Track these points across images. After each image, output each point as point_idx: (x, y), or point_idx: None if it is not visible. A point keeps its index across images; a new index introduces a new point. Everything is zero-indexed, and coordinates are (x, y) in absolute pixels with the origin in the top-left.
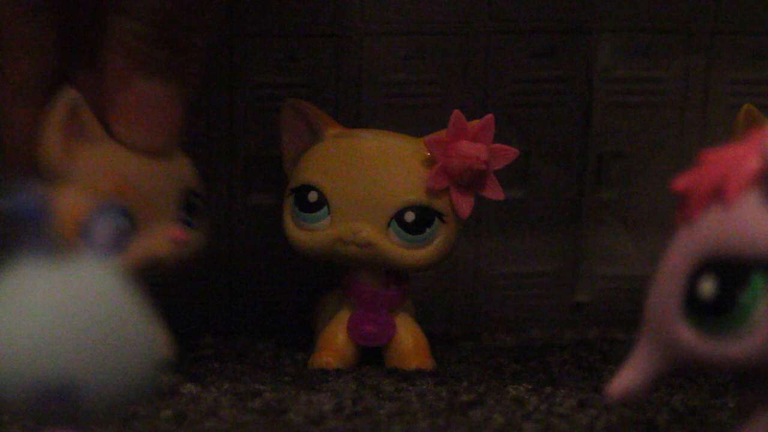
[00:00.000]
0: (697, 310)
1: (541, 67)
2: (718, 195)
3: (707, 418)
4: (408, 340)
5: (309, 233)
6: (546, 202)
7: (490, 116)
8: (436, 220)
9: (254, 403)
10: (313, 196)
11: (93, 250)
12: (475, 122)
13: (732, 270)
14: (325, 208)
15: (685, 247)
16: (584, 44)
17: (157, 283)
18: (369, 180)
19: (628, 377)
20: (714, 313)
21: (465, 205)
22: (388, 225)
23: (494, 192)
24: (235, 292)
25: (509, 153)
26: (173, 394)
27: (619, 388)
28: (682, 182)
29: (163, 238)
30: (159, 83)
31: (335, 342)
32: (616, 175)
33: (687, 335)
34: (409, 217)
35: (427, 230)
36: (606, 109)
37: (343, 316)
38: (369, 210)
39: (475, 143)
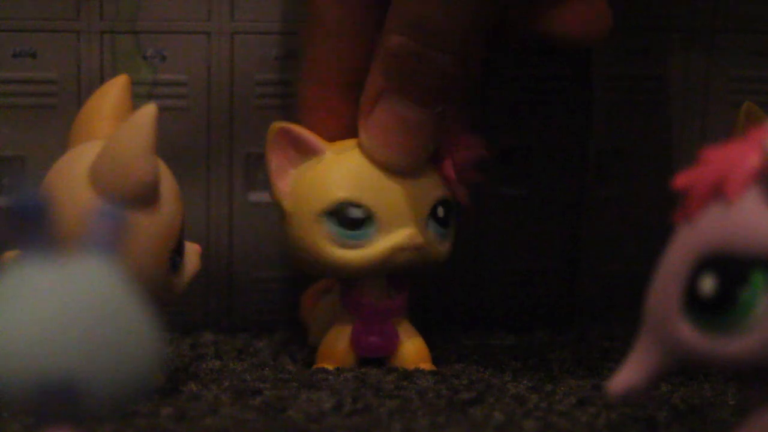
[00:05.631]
0: (698, 307)
1: (542, 64)
2: (718, 192)
3: (708, 415)
4: (409, 348)
5: (358, 251)
6: (546, 199)
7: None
8: (453, 213)
9: (254, 400)
10: (356, 213)
11: (93, 247)
12: None
13: (732, 267)
14: (371, 221)
15: (686, 244)
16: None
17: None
18: (400, 183)
19: (628, 375)
20: (714, 311)
21: (464, 194)
22: (427, 223)
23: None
24: (235, 290)
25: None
26: (173, 391)
27: (620, 386)
28: (682, 180)
29: None
30: (409, 104)
31: (336, 353)
32: (616, 173)
33: (687, 333)
34: (441, 211)
35: (452, 223)
36: (606, 106)
37: (343, 329)
38: (409, 212)
39: (474, 135)
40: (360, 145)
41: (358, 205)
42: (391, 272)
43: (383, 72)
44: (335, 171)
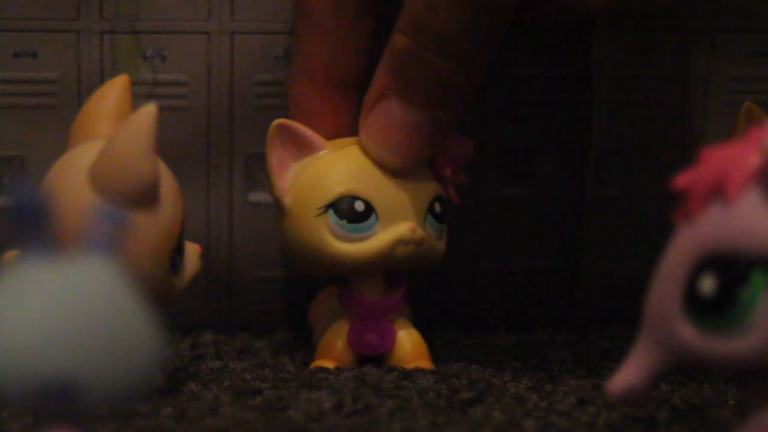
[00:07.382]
0: (698, 307)
1: (542, 64)
2: (718, 192)
3: (707, 415)
4: (407, 345)
5: (361, 244)
6: (546, 199)
7: None
8: (447, 210)
9: (254, 400)
10: (359, 206)
11: (93, 247)
12: None
13: (732, 267)
14: (374, 215)
15: (686, 244)
16: (585, 41)
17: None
18: (399, 179)
19: (628, 374)
20: (714, 311)
21: (455, 192)
22: (425, 218)
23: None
24: (235, 290)
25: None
26: (173, 391)
27: (620, 386)
28: (682, 180)
29: None
30: (407, 106)
31: (334, 350)
32: (616, 173)
33: (687, 333)
34: (438, 207)
35: (446, 220)
36: (606, 106)
37: (341, 327)
38: (409, 207)
39: (461, 135)
40: (359, 143)
41: (360, 199)
42: (391, 267)
43: (386, 71)
44: (336, 166)
